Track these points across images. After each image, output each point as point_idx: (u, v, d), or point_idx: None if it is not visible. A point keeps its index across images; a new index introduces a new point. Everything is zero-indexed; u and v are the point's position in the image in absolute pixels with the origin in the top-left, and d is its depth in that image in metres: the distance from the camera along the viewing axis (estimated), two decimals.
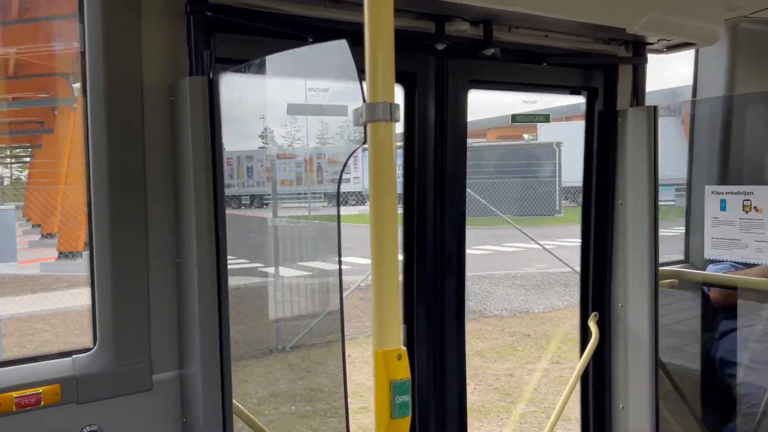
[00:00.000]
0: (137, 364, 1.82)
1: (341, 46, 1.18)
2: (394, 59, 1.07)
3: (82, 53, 1.76)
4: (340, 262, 1.74)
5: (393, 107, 1.06)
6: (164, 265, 1.85)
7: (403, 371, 1.07)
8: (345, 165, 1.73)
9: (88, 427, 1.77)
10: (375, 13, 1.06)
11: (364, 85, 1.11)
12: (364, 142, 1.11)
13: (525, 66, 2.56)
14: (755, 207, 2.63)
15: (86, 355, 1.80)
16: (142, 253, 1.81)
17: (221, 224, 1.75)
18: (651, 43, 2.67)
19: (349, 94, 1.13)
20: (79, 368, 1.76)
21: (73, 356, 1.79)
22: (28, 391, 1.68)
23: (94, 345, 1.82)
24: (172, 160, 1.82)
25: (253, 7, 1.86)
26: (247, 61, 1.95)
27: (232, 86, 1.79)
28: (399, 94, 2.35)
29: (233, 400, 1.83)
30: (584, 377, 2.92)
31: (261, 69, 1.80)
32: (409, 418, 1.09)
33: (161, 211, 1.83)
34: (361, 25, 1.97)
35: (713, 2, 2.58)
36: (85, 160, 1.79)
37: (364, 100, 1.10)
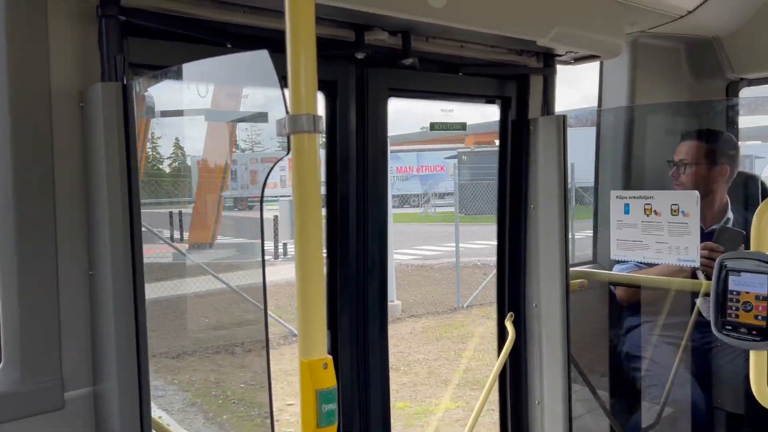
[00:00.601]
0: (47, 381, 1.74)
1: (262, 56, 1.18)
2: (316, 71, 1.08)
3: None
4: (263, 262, 1.73)
5: (316, 119, 1.07)
6: (76, 277, 1.77)
7: (329, 380, 1.09)
8: (270, 171, 1.71)
9: None
10: (296, 25, 1.07)
11: (287, 94, 1.11)
12: (288, 152, 1.11)
13: (442, 75, 2.63)
14: (655, 210, 2.81)
15: None
16: (51, 266, 1.73)
17: (137, 234, 1.70)
18: (560, 55, 2.81)
19: (271, 104, 1.14)
20: None
21: None
22: None
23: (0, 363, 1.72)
24: (84, 169, 1.75)
25: (168, 11, 1.82)
26: (164, 67, 1.91)
27: (148, 92, 1.74)
28: (320, 102, 2.37)
29: (152, 416, 1.78)
30: (502, 375, 3.02)
31: (179, 75, 1.76)
32: (335, 426, 1.10)
33: (72, 221, 1.76)
34: (282, 33, 1.98)
35: (615, 17, 2.74)
36: None
37: (287, 111, 1.10)
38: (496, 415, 3.16)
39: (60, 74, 1.71)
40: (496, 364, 2.94)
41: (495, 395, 3.07)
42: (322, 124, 1.08)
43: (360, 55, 2.24)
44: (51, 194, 1.71)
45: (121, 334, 1.68)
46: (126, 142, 1.66)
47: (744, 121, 3.81)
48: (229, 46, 1.97)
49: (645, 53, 3.52)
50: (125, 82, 1.68)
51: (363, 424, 2.52)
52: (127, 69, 1.71)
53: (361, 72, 2.39)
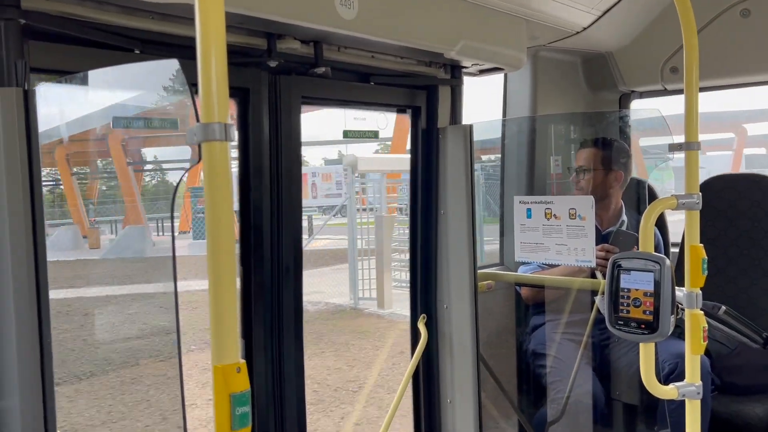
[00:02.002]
0: None
1: (172, 65, 1.19)
2: (227, 79, 1.10)
3: None
4: (174, 276, 1.71)
5: (228, 127, 1.09)
6: None
7: (242, 383, 1.11)
8: (180, 180, 1.70)
9: None
10: (206, 32, 1.09)
11: (198, 102, 1.13)
12: (199, 161, 1.13)
13: (354, 84, 2.69)
14: (555, 214, 2.99)
15: None
16: None
17: (40, 243, 1.65)
18: (466, 67, 2.94)
19: (181, 112, 1.14)
20: None
21: None
22: None
23: None
24: None
25: (72, 15, 1.77)
26: (70, 72, 1.86)
27: (52, 98, 1.69)
28: (232, 109, 2.36)
29: None
30: (415, 375, 3.10)
31: (86, 81, 1.72)
32: (249, 428, 1.12)
33: None
34: (192, 39, 1.97)
35: (516, 33, 2.90)
36: None
37: (198, 119, 1.12)
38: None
39: None
40: (410, 365, 3.01)
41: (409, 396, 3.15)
42: (234, 133, 1.10)
43: (272, 63, 2.26)
44: None
45: (23, 348, 1.62)
46: (28, 149, 1.61)
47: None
48: (138, 52, 1.94)
49: (545, 66, 3.73)
50: (26, 88, 1.62)
51: (279, 428, 2.53)
52: (28, 74, 1.66)
53: (273, 80, 2.41)
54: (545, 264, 3.32)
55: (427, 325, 3.07)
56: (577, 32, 3.33)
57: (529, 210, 3.04)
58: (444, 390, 3.10)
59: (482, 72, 3.04)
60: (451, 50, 2.58)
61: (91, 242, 17.21)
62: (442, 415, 3.11)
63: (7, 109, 1.58)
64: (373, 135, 2.90)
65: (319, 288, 12.62)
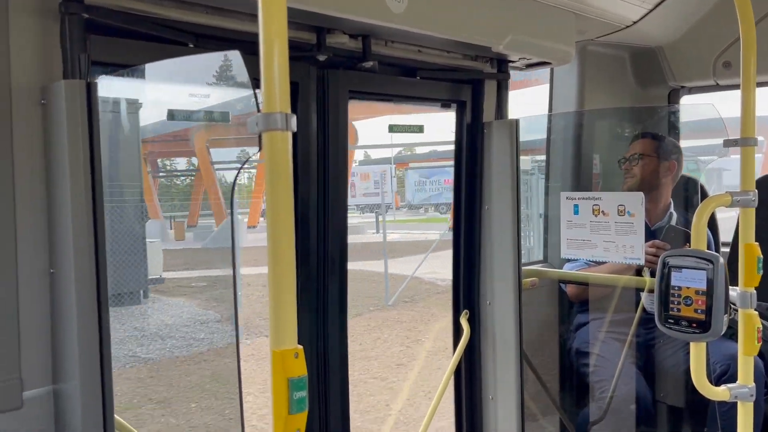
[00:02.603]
0: (6, 381, 1.72)
1: (234, 56, 1.21)
2: (288, 70, 1.12)
3: None
4: (234, 264, 1.74)
5: (289, 117, 1.11)
6: (36, 276, 1.75)
7: (299, 369, 1.13)
8: (239, 171, 1.74)
9: None
10: (269, 23, 1.11)
11: (258, 94, 1.15)
12: (260, 149, 1.15)
13: (400, 79, 2.69)
14: (603, 211, 2.94)
15: None
16: (10, 264, 1.71)
17: (100, 232, 1.70)
18: (513, 61, 2.91)
19: (242, 102, 1.17)
20: None
21: None
22: None
23: None
24: (45, 166, 1.74)
25: (131, 10, 1.82)
26: (126, 66, 1.91)
27: (113, 91, 1.74)
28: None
29: (115, 416, 1.78)
30: (457, 372, 3.10)
31: (146, 74, 1.77)
32: (306, 413, 1.14)
33: (32, 219, 1.74)
34: (242, 33, 2.00)
35: (565, 27, 2.87)
36: None
37: (259, 110, 1.14)
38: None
39: (21, 71, 1.69)
40: (452, 361, 3.01)
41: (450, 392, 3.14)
42: (294, 123, 1.12)
43: (321, 58, 2.28)
44: (11, 191, 1.70)
45: (84, 332, 1.67)
46: (90, 140, 1.66)
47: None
48: (191, 45, 1.98)
49: (592, 61, 3.67)
50: (89, 80, 1.67)
51: (323, 416, 2.56)
52: (90, 67, 1.71)
53: (321, 74, 2.43)
54: (591, 261, 3.28)
55: (470, 321, 3.06)
56: (627, 26, 3.27)
57: (576, 206, 3.00)
58: (486, 387, 3.09)
59: (529, 66, 3.01)
60: (499, 44, 2.57)
61: (177, 234, 18.93)
62: (484, 412, 3.10)
63: (71, 101, 1.63)
64: (419, 129, 2.90)
65: (433, 269, 12.82)
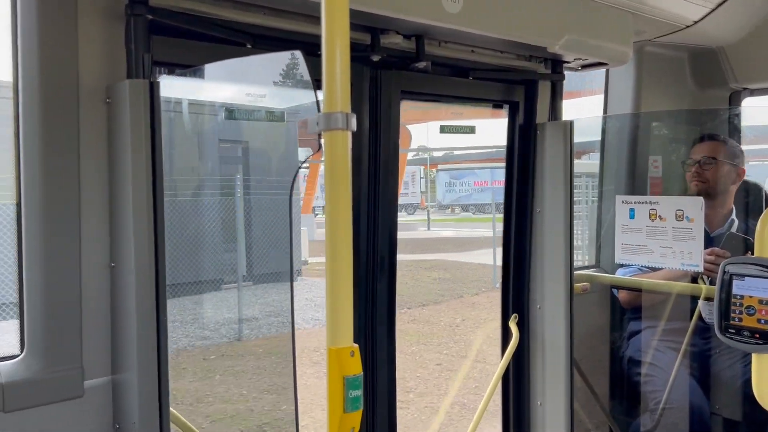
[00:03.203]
0: (68, 370, 1.78)
1: (295, 56, 1.23)
2: (350, 70, 1.12)
3: (14, 51, 1.71)
4: (291, 260, 1.76)
5: (349, 117, 1.11)
6: (97, 269, 1.81)
7: (355, 367, 1.13)
8: (299, 168, 1.76)
9: None
10: (332, 24, 1.11)
11: (319, 93, 1.16)
12: (320, 149, 1.16)
13: (453, 79, 2.68)
14: (660, 216, 2.86)
15: (13, 362, 1.74)
16: (74, 257, 1.77)
17: (160, 227, 1.74)
18: (568, 62, 2.86)
19: (303, 102, 1.18)
20: (5, 375, 1.70)
21: None
22: None
23: (22, 351, 1.76)
24: (109, 162, 1.80)
25: (193, 11, 1.86)
26: (186, 66, 1.95)
27: (174, 90, 1.79)
28: None
29: (170, 408, 1.82)
30: (505, 376, 3.06)
31: (207, 74, 1.81)
32: (360, 412, 1.15)
33: (96, 214, 1.80)
34: (299, 34, 2.02)
35: (623, 27, 2.80)
36: (15, 160, 1.73)
37: (319, 109, 1.15)
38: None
39: (87, 71, 1.75)
40: (500, 364, 2.98)
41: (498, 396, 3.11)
42: (354, 122, 1.12)
43: (375, 58, 2.28)
44: (76, 187, 1.76)
45: (142, 324, 1.72)
46: (152, 138, 1.70)
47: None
48: (249, 46, 2.01)
49: (650, 61, 3.57)
50: (151, 80, 1.72)
51: (370, 415, 2.57)
52: (152, 67, 1.75)
53: (375, 74, 2.44)
54: (646, 267, 3.19)
55: (519, 324, 3.02)
56: (687, 26, 3.17)
57: (632, 210, 2.93)
58: (534, 392, 3.05)
59: (584, 67, 2.95)
60: (555, 44, 2.53)
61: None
62: (532, 418, 3.06)
63: (134, 100, 1.68)
64: (470, 130, 2.88)
65: None
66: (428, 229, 22.39)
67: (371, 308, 2.54)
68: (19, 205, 1.74)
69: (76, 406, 1.79)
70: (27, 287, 1.74)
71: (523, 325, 3.02)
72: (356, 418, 1.14)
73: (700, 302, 3.04)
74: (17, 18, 1.70)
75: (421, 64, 2.39)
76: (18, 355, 1.76)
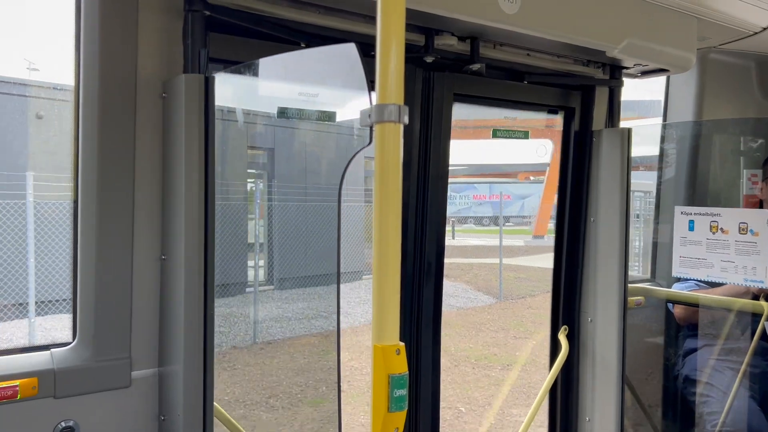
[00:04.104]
0: (116, 360, 1.81)
1: (349, 49, 1.22)
2: (404, 63, 1.10)
3: (77, 46, 1.75)
4: (338, 257, 1.74)
5: (402, 109, 1.09)
6: (148, 262, 1.84)
7: (401, 366, 1.10)
8: (348, 164, 1.75)
9: (63, 422, 1.74)
10: (388, 16, 1.10)
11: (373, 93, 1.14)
12: (369, 143, 1.14)
13: (507, 83, 2.63)
14: (722, 228, 2.74)
15: (65, 349, 1.78)
16: (126, 249, 1.80)
17: (210, 222, 1.75)
18: (627, 68, 2.78)
19: (355, 94, 1.16)
20: (57, 362, 1.74)
21: (52, 350, 1.76)
22: (4, 383, 1.65)
23: (74, 339, 1.80)
24: (163, 156, 1.82)
25: (249, 9, 1.88)
26: (239, 62, 1.97)
27: (227, 85, 1.80)
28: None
29: (214, 404, 1.82)
30: (553, 389, 2.97)
31: (260, 70, 1.82)
32: (405, 412, 1.11)
33: (148, 207, 1.83)
34: (352, 33, 2.01)
35: (687, 32, 2.70)
36: (74, 152, 1.78)
37: (371, 102, 1.13)
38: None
39: (145, 65, 1.78)
40: (548, 377, 2.90)
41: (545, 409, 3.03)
42: (407, 115, 1.10)
43: (428, 59, 2.26)
44: (131, 180, 1.79)
45: (190, 318, 1.73)
46: (205, 133, 1.72)
47: None
48: (303, 45, 2.02)
49: (714, 69, 3.44)
50: (207, 75, 1.74)
51: (414, 420, 2.53)
52: (208, 63, 1.77)
53: (428, 76, 2.42)
54: (704, 282, 3.06)
55: (569, 337, 2.93)
56: (755, 33, 3.04)
57: (691, 222, 2.81)
58: (583, 407, 2.95)
59: (644, 73, 2.86)
60: (614, 48, 2.45)
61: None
62: None
63: (189, 94, 1.70)
64: (524, 135, 2.82)
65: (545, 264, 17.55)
66: (453, 237, 22.99)
67: (417, 311, 2.51)
68: (76, 198, 1.78)
69: (123, 395, 1.81)
70: (81, 277, 1.77)
71: (573, 338, 2.93)
72: (401, 418, 1.11)
73: (764, 321, 2.89)
74: (80, 15, 1.74)
75: (475, 67, 2.35)
76: (70, 343, 1.79)
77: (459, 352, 9.04)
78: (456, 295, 12.93)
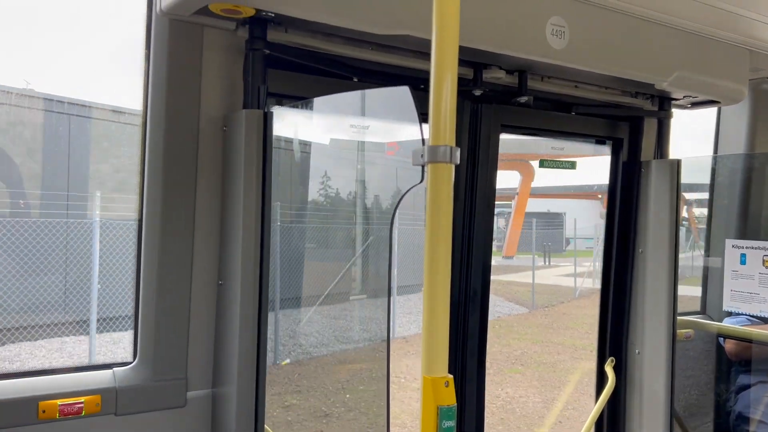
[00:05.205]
0: (173, 380, 1.88)
1: (403, 91, 1.28)
2: (456, 105, 1.16)
3: (146, 79, 1.87)
4: (390, 279, 1.79)
5: (453, 150, 1.14)
6: (206, 286, 1.92)
7: (449, 398, 1.14)
8: (400, 200, 1.81)
9: None
10: (441, 61, 1.15)
11: (425, 126, 1.19)
12: (422, 180, 1.19)
13: (554, 114, 2.66)
14: None
15: (126, 368, 1.87)
16: (186, 274, 1.89)
17: (266, 249, 1.83)
18: (677, 99, 2.77)
19: (408, 134, 1.22)
20: (119, 380, 1.83)
21: (114, 369, 1.86)
22: (70, 400, 1.74)
23: (134, 359, 1.89)
24: (222, 185, 1.91)
25: (306, 46, 1.97)
26: (296, 96, 2.06)
27: (285, 120, 1.88)
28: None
29: (265, 426, 1.88)
30: (599, 422, 2.94)
31: (317, 106, 1.90)
32: None
33: (207, 233, 1.92)
34: (404, 68, 2.08)
35: (738, 64, 2.68)
36: (140, 177, 1.88)
37: (423, 142, 1.18)
38: None
39: (208, 100, 1.88)
40: (593, 410, 2.86)
41: None
42: (458, 156, 1.15)
43: (477, 92, 2.31)
44: (192, 208, 1.88)
45: (244, 341, 1.80)
46: (263, 164, 1.80)
47: None
48: (356, 80, 2.09)
49: (766, 100, 3.39)
50: (266, 110, 1.82)
51: None
52: (267, 98, 1.86)
53: (475, 108, 2.46)
54: (755, 317, 2.99)
55: (615, 369, 2.90)
56: None
57: (743, 255, 2.77)
58: None
59: (694, 105, 2.85)
60: (664, 81, 2.45)
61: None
62: None
63: (249, 128, 1.79)
64: (570, 166, 2.84)
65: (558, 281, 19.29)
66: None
67: (462, 342, 2.53)
68: (140, 222, 1.88)
69: (178, 415, 1.89)
70: (143, 299, 1.87)
71: (620, 370, 2.89)
72: None
73: None
74: (150, 51, 1.86)
75: (523, 99, 2.39)
76: (130, 363, 1.88)
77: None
78: (499, 305, 14.74)
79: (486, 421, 2.63)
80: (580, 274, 18.45)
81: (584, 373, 9.23)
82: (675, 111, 2.85)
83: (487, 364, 2.60)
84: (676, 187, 2.73)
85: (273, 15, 1.74)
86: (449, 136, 1.14)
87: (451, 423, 1.13)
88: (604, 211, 2.93)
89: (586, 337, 11.60)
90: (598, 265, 17.38)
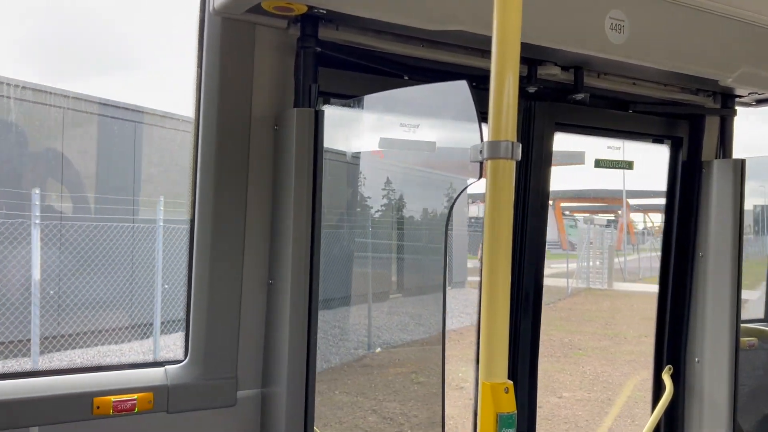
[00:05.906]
0: (224, 379, 1.88)
1: (461, 86, 1.24)
2: (517, 101, 1.11)
3: (198, 80, 1.87)
4: (444, 281, 1.76)
5: (514, 146, 1.10)
6: (256, 285, 1.91)
7: (509, 404, 1.09)
8: (457, 197, 1.77)
9: None
10: (503, 56, 1.11)
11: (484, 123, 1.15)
12: (480, 178, 1.15)
13: (611, 112, 2.57)
14: None
15: (178, 367, 1.87)
16: (237, 274, 1.89)
17: (316, 249, 1.81)
18: (741, 96, 2.65)
19: (466, 131, 1.18)
20: (170, 378, 1.83)
21: (166, 366, 1.86)
22: (124, 396, 1.75)
23: (186, 357, 1.89)
24: (273, 184, 1.90)
25: (357, 44, 1.95)
26: (346, 95, 2.03)
27: (337, 118, 1.86)
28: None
29: (315, 427, 1.86)
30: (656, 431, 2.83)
31: (370, 104, 1.87)
32: None
33: (258, 232, 1.91)
34: (455, 65, 2.04)
35: None
36: (192, 177, 1.89)
37: (482, 138, 1.14)
38: None
39: (260, 99, 1.88)
40: (651, 419, 2.76)
41: None
42: (519, 151, 1.10)
43: (531, 89, 2.25)
44: (243, 207, 1.88)
45: (294, 341, 1.78)
46: (314, 163, 1.78)
47: None
48: (406, 78, 2.06)
49: None
50: (317, 109, 1.81)
51: None
52: (318, 97, 1.85)
53: (529, 105, 2.40)
54: None
55: (673, 377, 2.79)
56: None
57: None
58: None
59: (760, 102, 2.71)
60: (728, 77, 2.34)
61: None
62: None
63: (300, 127, 1.78)
64: (627, 166, 2.74)
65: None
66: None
67: (513, 346, 2.46)
68: (192, 221, 1.88)
69: (228, 414, 1.89)
70: (194, 299, 1.87)
71: (678, 379, 2.78)
72: None
73: None
74: (202, 52, 1.86)
75: (579, 96, 2.31)
76: (182, 361, 1.89)
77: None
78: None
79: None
80: (570, 273, 18.37)
81: (636, 354, 9.59)
82: (738, 109, 2.73)
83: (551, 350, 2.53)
84: (740, 188, 2.61)
85: (324, 12, 1.72)
86: (510, 132, 1.09)
87: (511, 431, 1.08)
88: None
89: (609, 328, 12.23)
90: (585, 265, 18.07)
